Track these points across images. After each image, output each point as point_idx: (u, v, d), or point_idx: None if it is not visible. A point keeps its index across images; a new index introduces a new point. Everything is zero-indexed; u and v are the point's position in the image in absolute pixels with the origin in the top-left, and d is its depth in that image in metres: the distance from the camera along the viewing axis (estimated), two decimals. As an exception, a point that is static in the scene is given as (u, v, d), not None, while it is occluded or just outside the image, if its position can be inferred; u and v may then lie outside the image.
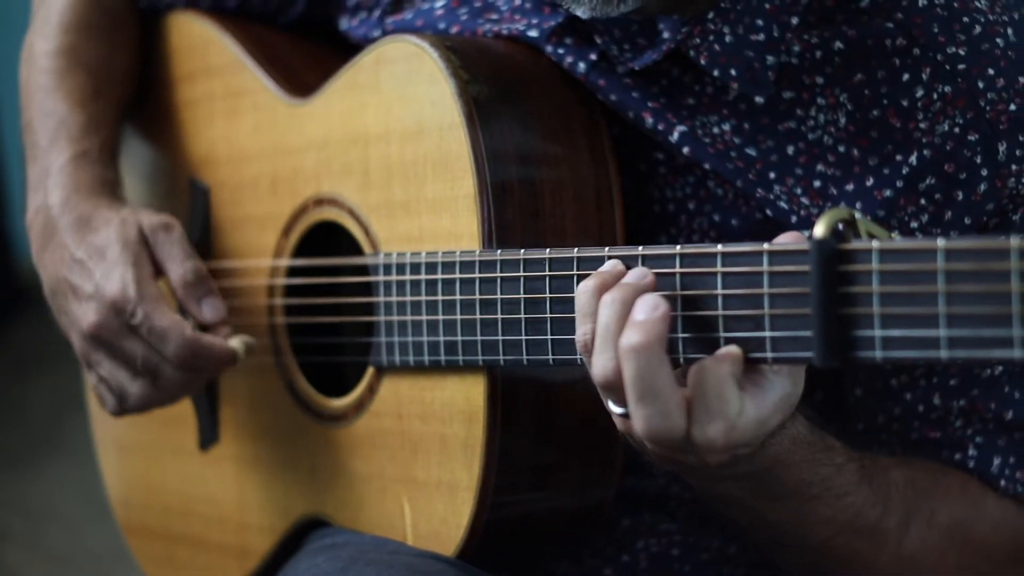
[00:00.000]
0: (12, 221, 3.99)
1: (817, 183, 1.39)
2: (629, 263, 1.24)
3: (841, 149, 1.38)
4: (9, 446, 3.43)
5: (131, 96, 1.74)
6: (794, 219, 1.38)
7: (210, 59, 1.71)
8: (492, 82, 1.41)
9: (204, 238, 1.68)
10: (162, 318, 1.49)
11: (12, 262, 4.05)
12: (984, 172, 1.36)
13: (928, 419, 1.42)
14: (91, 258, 1.53)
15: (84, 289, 1.53)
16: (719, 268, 1.18)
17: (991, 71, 1.36)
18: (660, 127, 1.41)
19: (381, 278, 1.46)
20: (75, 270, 1.54)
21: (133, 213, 1.56)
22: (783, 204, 1.39)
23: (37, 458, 3.37)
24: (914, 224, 1.37)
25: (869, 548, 1.35)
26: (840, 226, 1.12)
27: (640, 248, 1.23)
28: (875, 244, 1.08)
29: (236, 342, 1.52)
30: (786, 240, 1.17)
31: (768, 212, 1.39)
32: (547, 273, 1.31)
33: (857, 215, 1.12)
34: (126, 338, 1.51)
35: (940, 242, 1.05)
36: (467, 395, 1.40)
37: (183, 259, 1.54)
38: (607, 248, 1.27)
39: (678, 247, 1.20)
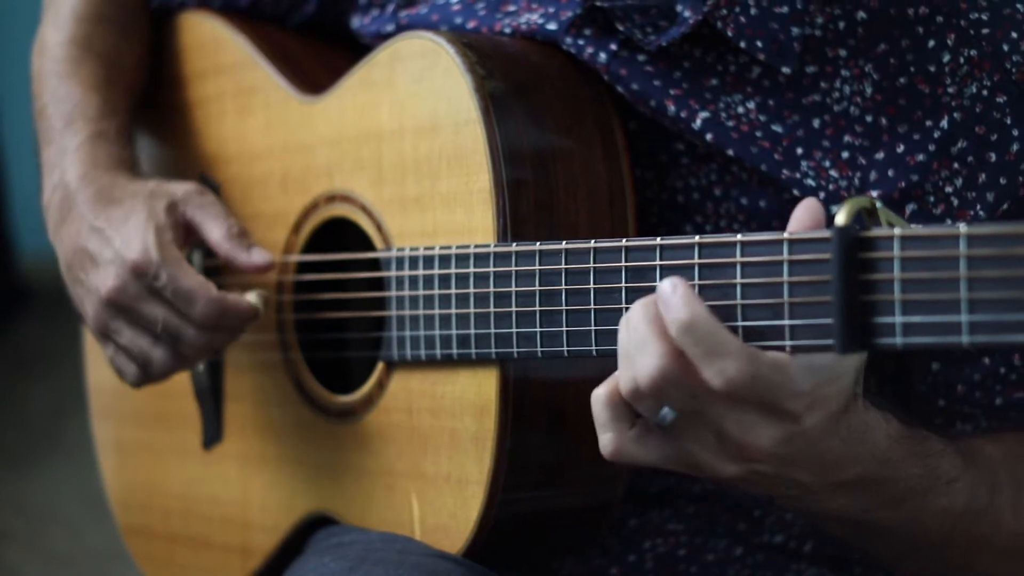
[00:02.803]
0: (13, 221, 3.98)
1: (845, 154, 1.40)
2: (646, 254, 1.25)
3: (868, 119, 1.40)
4: (9, 446, 3.42)
5: (142, 87, 1.75)
6: (822, 195, 1.39)
7: (221, 57, 1.71)
8: (507, 78, 1.42)
9: (213, 235, 1.68)
10: (187, 279, 1.49)
11: (12, 262, 4.05)
12: (1015, 132, 1.37)
13: (1009, 380, 1.42)
14: (111, 226, 1.54)
15: (103, 255, 1.53)
16: (738, 258, 1.18)
17: (1014, 34, 1.38)
18: (683, 114, 1.42)
19: (394, 273, 1.46)
20: (93, 238, 1.54)
21: (161, 185, 1.57)
22: (810, 182, 1.40)
23: (37, 458, 3.37)
24: (948, 188, 1.38)
25: (988, 529, 1.35)
26: (860, 215, 1.12)
27: (658, 239, 1.24)
28: (897, 231, 1.09)
29: (253, 297, 1.53)
30: (802, 213, 1.17)
31: (796, 192, 1.40)
32: (563, 266, 1.32)
33: (878, 204, 1.13)
34: (146, 302, 1.50)
35: (962, 228, 1.06)
36: (479, 389, 1.40)
37: (224, 216, 1.55)
38: (624, 239, 1.27)
39: (696, 237, 1.21)
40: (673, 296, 1.16)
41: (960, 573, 1.40)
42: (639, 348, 1.18)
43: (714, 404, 1.17)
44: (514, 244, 1.36)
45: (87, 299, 1.56)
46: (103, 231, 1.54)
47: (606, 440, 1.24)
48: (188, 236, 1.56)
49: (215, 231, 1.54)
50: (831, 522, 1.35)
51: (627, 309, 1.26)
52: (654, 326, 1.17)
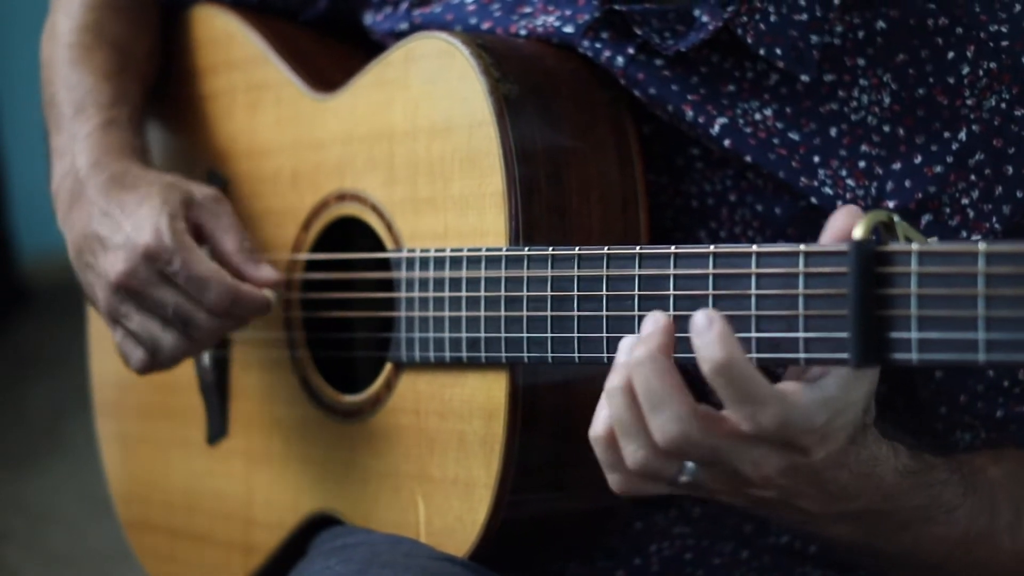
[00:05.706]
0: (13, 221, 3.98)
1: (862, 164, 1.39)
2: (660, 262, 1.24)
3: (886, 129, 1.39)
4: (9, 446, 3.43)
5: (153, 78, 1.75)
6: (839, 203, 1.38)
7: (233, 52, 1.71)
8: (522, 81, 1.41)
9: (221, 231, 1.67)
10: (201, 265, 1.49)
11: (12, 262, 4.08)
12: None
13: (1012, 394, 1.42)
14: (123, 211, 1.53)
15: (113, 239, 1.52)
16: (753, 269, 1.18)
17: None
18: (700, 120, 1.41)
19: (404, 274, 1.46)
20: (104, 223, 1.54)
21: (180, 180, 1.57)
22: (828, 190, 1.39)
23: (37, 458, 3.37)
24: (965, 200, 1.38)
25: (986, 553, 1.35)
26: (878, 228, 1.12)
27: (672, 247, 1.24)
28: (914, 246, 1.08)
29: (268, 291, 1.53)
30: (841, 219, 1.17)
31: (813, 200, 1.40)
32: (575, 272, 1.31)
33: (896, 218, 1.12)
34: (157, 287, 1.50)
35: (981, 245, 1.05)
36: (488, 392, 1.40)
37: (238, 228, 1.55)
38: (638, 247, 1.27)
39: (712, 247, 1.20)
40: (709, 332, 1.13)
41: None
42: (655, 407, 1.16)
43: (734, 448, 1.17)
44: (526, 248, 1.35)
45: (97, 284, 1.55)
46: (114, 215, 1.53)
47: (614, 480, 1.23)
48: (197, 236, 1.55)
49: (229, 243, 1.54)
50: (837, 545, 1.34)
51: (639, 317, 1.26)
52: (667, 380, 1.16)
